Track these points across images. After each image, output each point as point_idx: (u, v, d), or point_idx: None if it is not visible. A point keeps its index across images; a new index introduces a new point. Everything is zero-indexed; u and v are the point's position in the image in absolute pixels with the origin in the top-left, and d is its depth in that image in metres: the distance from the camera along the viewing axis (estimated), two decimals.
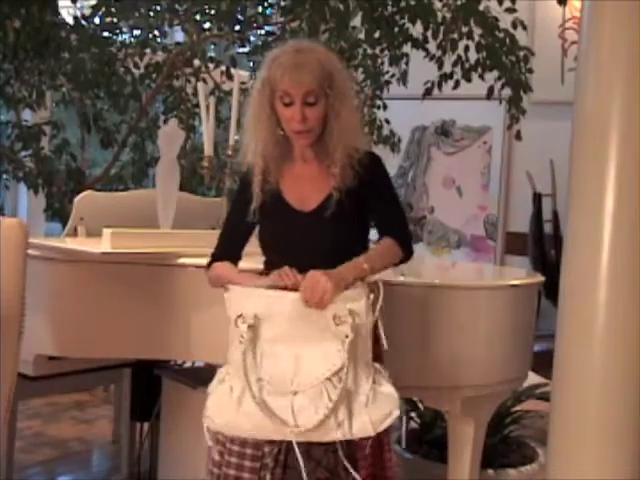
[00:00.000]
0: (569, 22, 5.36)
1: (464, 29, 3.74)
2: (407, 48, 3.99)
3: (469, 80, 3.95)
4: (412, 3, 3.71)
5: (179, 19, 4.03)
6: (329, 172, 1.95)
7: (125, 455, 3.51)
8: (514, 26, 3.84)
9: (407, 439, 3.50)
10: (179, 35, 4.63)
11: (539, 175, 5.37)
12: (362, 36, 3.98)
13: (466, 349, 2.48)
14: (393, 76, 4.32)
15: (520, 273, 3.86)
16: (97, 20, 3.86)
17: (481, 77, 3.94)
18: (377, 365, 1.88)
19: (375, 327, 1.88)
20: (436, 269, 3.89)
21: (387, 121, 4.84)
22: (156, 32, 4.12)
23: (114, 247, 2.48)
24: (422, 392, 2.56)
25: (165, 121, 4.13)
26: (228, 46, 4.13)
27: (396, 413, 1.82)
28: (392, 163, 5.65)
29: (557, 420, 2.19)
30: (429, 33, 3.77)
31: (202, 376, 2.84)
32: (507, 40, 3.83)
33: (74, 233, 2.98)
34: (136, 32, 4.12)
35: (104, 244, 2.50)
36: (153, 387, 3.06)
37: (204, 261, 2.09)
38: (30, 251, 2.27)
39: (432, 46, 3.88)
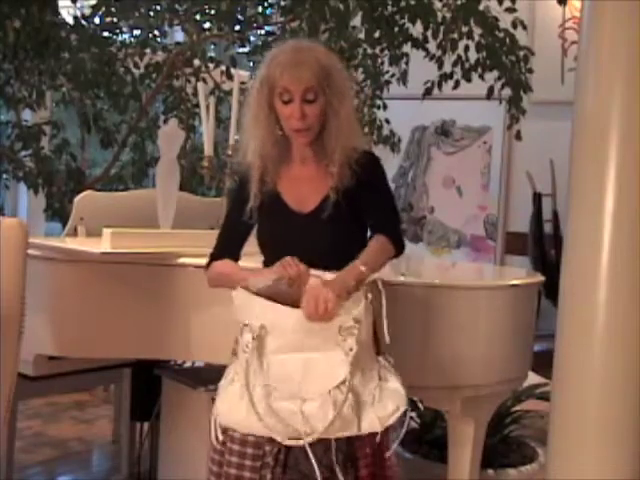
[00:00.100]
0: (569, 22, 5.36)
1: (464, 29, 3.74)
2: (407, 48, 3.99)
3: (469, 80, 3.95)
4: (412, 3, 3.71)
5: (179, 19, 4.03)
6: (327, 172, 1.94)
7: (125, 455, 3.51)
8: (514, 26, 3.83)
9: (407, 439, 3.50)
10: (179, 35, 4.63)
11: (539, 175, 5.37)
12: (362, 36, 3.98)
13: (466, 349, 2.48)
14: (393, 76, 4.32)
15: (520, 273, 3.86)
16: (97, 20, 3.86)
17: (481, 77, 3.94)
18: (381, 359, 1.88)
19: (374, 323, 1.88)
20: (436, 269, 3.89)
21: (387, 121, 4.84)
22: (156, 32, 4.12)
23: (114, 247, 2.48)
24: (422, 392, 2.56)
25: (165, 121, 4.13)
26: (228, 46, 4.13)
27: (403, 408, 1.83)
28: (392, 163, 5.66)
29: (557, 420, 2.19)
30: (429, 33, 3.77)
31: (202, 376, 2.84)
32: (507, 40, 3.83)
33: (74, 233, 2.98)
34: (136, 32, 4.12)
35: (104, 244, 2.50)
36: (153, 387, 3.06)
37: (204, 261, 2.09)
38: (30, 251, 2.27)
39: (432, 46, 3.88)
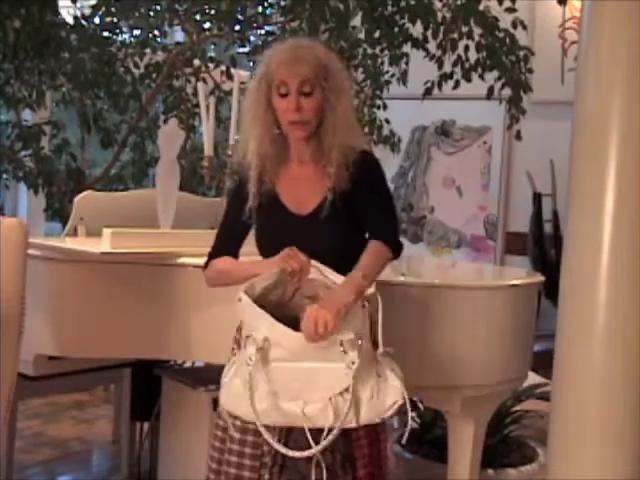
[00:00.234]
0: (569, 22, 5.36)
1: (464, 29, 3.74)
2: (407, 48, 3.99)
3: (469, 80, 3.95)
4: (412, 3, 3.71)
5: (179, 19, 4.03)
6: (325, 173, 1.94)
7: (125, 455, 3.51)
8: (514, 26, 3.83)
9: (407, 439, 3.50)
10: (179, 35, 4.63)
11: (539, 175, 5.37)
12: (362, 36, 3.98)
13: (466, 349, 2.48)
14: (393, 76, 4.32)
15: (520, 273, 3.86)
16: (97, 20, 3.87)
17: (481, 77, 3.94)
18: (379, 356, 1.87)
19: (371, 322, 1.88)
20: (436, 269, 3.89)
21: (387, 121, 4.84)
22: (156, 32, 4.12)
23: (114, 247, 2.48)
24: (422, 392, 2.56)
25: (165, 121, 4.13)
26: (228, 46, 4.13)
27: (400, 402, 1.82)
28: (392, 163, 5.66)
29: (557, 420, 2.19)
30: (429, 33, 3.77)
31: (202, 376, 2.84)
32: (507, 40, 3.83)
33: (74, 233, 2.98)
34: (136, 32, 4.12)
35: (104, 244, 2.50)
36: (153, 387, 3.06)
37: (204, 261, 2.09)
38: (30, 251, 2.27)
39: (432, 46, 3.88)
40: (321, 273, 1.86)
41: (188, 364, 3.09)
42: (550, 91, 5.10)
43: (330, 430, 1.73)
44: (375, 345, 1.87)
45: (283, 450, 1.77)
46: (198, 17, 4.06)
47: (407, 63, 4.12)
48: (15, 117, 4.01)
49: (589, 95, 2.14)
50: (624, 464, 2.09)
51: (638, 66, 2.04)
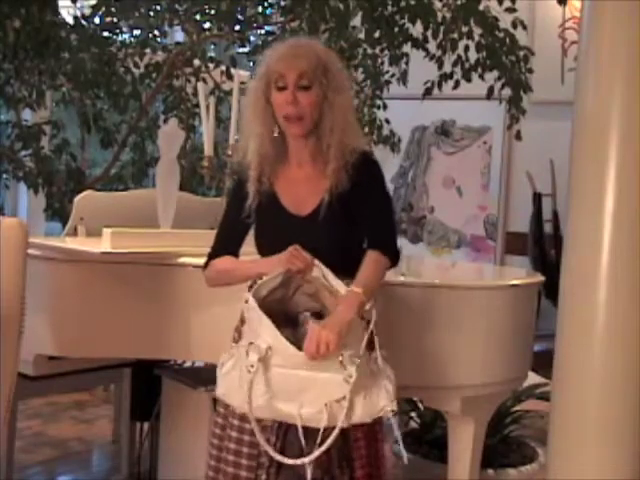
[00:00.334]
0: (569, 22, 5.36)
1: (464, 29, 3.74)
2: (407, 48, 4.00)
3: (469, 80, 3.95)
4: (412, 3, 3.71)
5: (179, 19, 4.03)
6: (324, 174, 1.94)
7: (125, 455, 3.51)
8: (514, 26, 3.83)
9: (407, 439, 3.50)
10: (179, 35, 4.63)
11: (539, 175, 5.37)
12: (362, 36, 3.98)
13: (466, 349, 2.48)
14: (393, 76, 4.32)
15: (520, 273, 3.86)
16: (97, 20, 3.87)
17: (481, 77, 3.94)
18: (372, 360, 1.86)
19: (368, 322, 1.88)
20: (436, 269, 3.89)
21: (387, 121, 4.84)
22: (156, 32, 4.12)
23: (114, 247, 2.48)
24: (422, 392, 2.56)
25: (165, 121, 4.13)
26: (228, 46, 4.13)
27: (389, 408, 1.82)
28: (392, 163, 5.66)
29: (557, 420, 2.19)
30: (429, 33, 3.77)
31: (202, 376, 2.84)
32: (507, 40, 3.83)
33: (74, 233, 2.98)
34: (136, 32, 4.12)
35: (104, 244, 2.50)
36: (153, 387, 3.06)
37: (204, 261, 2.09)
38: (30, 251, 2.27)
39: (432, 46, 3.88)
40: (323, 276, 1.86)
41: (188, 364, 3.09)
42: (550, 91, 5.10)
43: (325, 433, 1.74)
44: (370, 346, 1.87)
45: (278, 457, 1.79)
46: (198, 17, 4.06)
47: (407, 63, 4.12)
48: (15, 117, 4.01)
49: (589, 95, 2.14)
50: (624, 464, 2.09)
51: (638, 66, 2.04)
